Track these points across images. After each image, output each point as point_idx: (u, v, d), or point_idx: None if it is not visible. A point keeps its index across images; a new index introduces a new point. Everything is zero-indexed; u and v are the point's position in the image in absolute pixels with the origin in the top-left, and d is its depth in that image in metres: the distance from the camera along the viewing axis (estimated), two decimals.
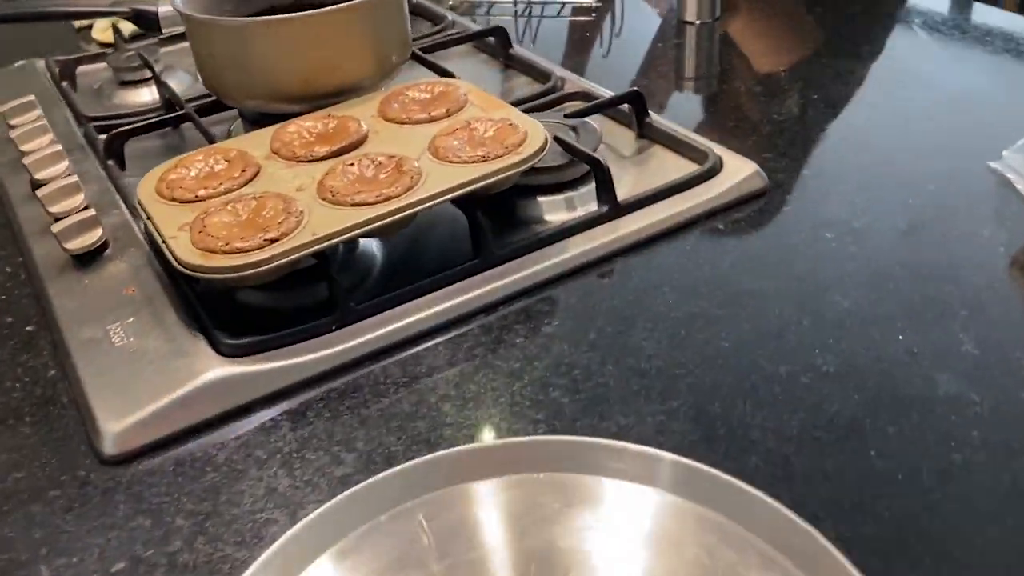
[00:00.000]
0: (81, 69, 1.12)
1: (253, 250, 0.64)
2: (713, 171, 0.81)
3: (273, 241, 0.65)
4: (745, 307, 0.68)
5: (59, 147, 0.87)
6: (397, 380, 0.64)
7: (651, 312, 0.68)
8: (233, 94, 0.89)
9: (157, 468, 0.59)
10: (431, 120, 0.79)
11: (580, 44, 1.18)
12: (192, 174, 0.74)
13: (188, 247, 0.65)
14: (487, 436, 0.59)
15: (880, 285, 0.69)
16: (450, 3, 1.30)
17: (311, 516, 0.49)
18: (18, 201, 0.85)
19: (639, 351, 0.65)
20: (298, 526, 0.49)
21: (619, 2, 1.28)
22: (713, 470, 0.50)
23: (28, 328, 0.72)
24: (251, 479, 0.57)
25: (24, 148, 0.90)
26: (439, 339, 0.68)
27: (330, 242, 0.65)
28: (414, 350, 0.67)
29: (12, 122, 0.96)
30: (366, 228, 0.67)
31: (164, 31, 0.90)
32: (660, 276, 0.72)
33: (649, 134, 0.89)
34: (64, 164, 0.86)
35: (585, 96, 0.95)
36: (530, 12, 1.27)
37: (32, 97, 0.98)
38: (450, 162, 0.72)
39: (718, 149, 0.84)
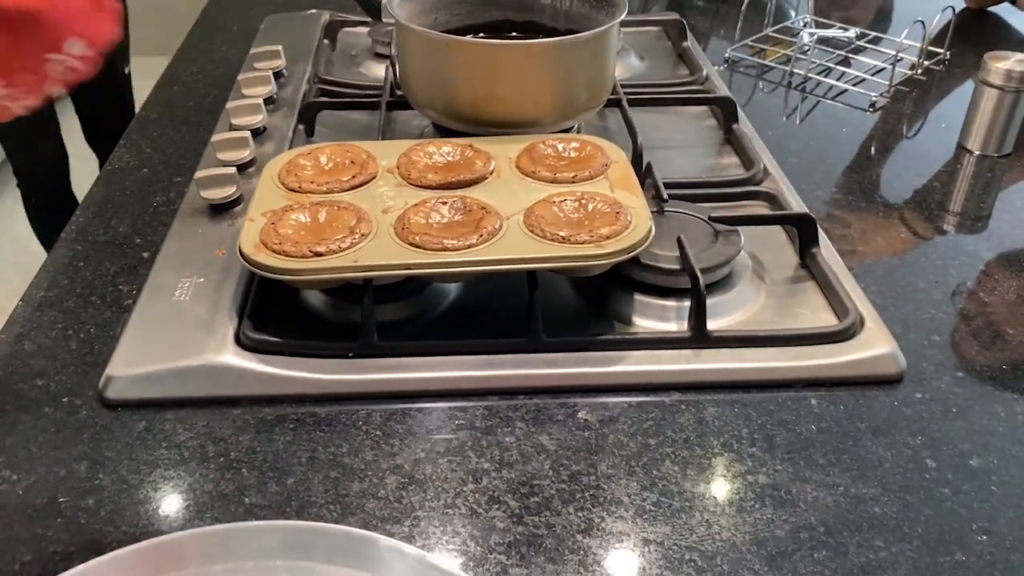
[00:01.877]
0: (349, 30, 1.20)
1: (295, 257, 0.65)
2: (843, 334, 0.69)
3: (318, 255, 0.65)
4: (760, 515, 0.57)
5: (259, 101, 0.94)
6: (372, 432, 0.62)
7: (663, 469, 0.60)
8: (417, 99, 0.90)
9: (129, 424, 0.63)
10: (553, 181, 0.75)
11: (857, 138, 1.04)
12: (317, 164, 0.77)
13: (253, 233, 0.68)
14: (397, 529, 0.56)
15: (944, 570, 0.55)
16: (726, 56, 1.21)
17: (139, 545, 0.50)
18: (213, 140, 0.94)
19: (618, 508, 0.57)
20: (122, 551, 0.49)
21: (924, 102, 1.12)
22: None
23: (144, 254, 0.80)
24: (186, 470, 0.59)
25: (245, 92, 0.99)
26: (441, 404, 0.65)
27: (364, 274, 0.65)
28: (410, 406, 0.65)
29: (256, 65, 1.06)
30: (407, 272, 0.65)
31: (384, 19, 0.93)
32: (705, 430, 0.63)
33: (810, 266, 0.77)
34: (259, 117, 0.93)
35: (771, 199, 0.85)
36: (805, 88, 1.15)
37: (279, 47, 1.07)
38: (531, 232, 0.68)
39: (868, 310, 0.71)
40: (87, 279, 0.77)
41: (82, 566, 0.49)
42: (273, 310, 0.72)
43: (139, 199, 0.88)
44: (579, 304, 0.74)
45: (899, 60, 1.13)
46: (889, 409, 0.65)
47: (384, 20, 0.94)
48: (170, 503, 0.57)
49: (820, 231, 0.78)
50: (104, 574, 0.49)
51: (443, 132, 0.91)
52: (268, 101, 0.98)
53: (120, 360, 0.65)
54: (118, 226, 0.84)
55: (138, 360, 0.65)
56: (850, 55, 1.22)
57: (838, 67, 1.19)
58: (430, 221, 0.69)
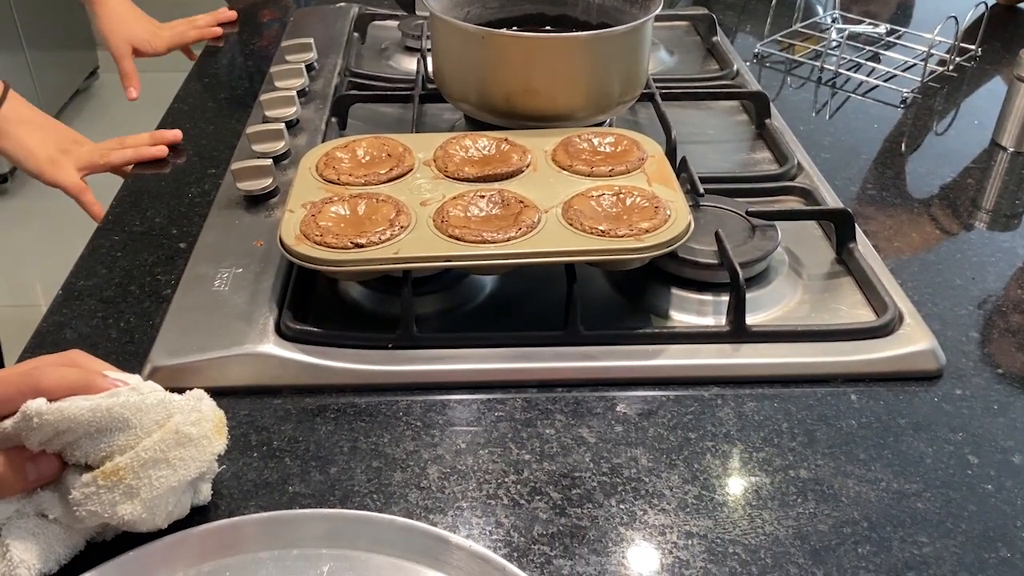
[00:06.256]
0: (378, 23, 1.20)
1: (336, 248, 0.65)
2: (883, 329, 0.68)
3: (359, 247, 0.66)
4: (802, 509, 0.57)
5: (293, 93, 0.94)
6: (412, 422, 0.63)
7: (704, 463, 0.60)
8: (451, 92, 0.90)
9: None
10: (590, 175, 0.75)
11: (889, 134, 1.04)
12: (354, 156, 0.77)
13: (294, 224, 0.68)
14: (440, 519, 0.56)
15: (989, 566, 0.55)
16: (756, 51, 1.21)
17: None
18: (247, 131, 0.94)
19: (660, 500, 0.57)
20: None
21: (955, 97, 1.11)
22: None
23: (181, 245, 0.80)
24: (229, 458, 0.59)
25: (277, 84, 0.99)
26: (480, 395, 0.65)
27: (405, 266, 0.65)
28: (450, 397, 0.65)
29: (288, 57, 1.06)
30: (448, 264, 0.65)
31: (418, 12, 0.93)
32: (745, 424, 0.63)
33: (847, 261, 0.77)
34: (293, 109, 0.94)
35: (806, 195, 0.85)
36: (835, 83, 1.15)
37: (311, 40, 1.07)
38: (571, 225, 0.68)
39: (906, 306, 0.71)
40: (125, 269, 0.77)
41: (135, 551, 0.49)
42: (311, 301, 0.72)
43: (174, 190, 0.89)
44: (615, 298, 0.74)
45: (930, 56, 1.13)
46: (929, 405, 0.65)
47: (418, 13, 0.94)
48: (215, 490, 0.57)
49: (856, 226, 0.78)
50: (160, 555, 0.50)
51: (476, 125, 0.91)
52: (301, 93, 0.98)
53: (161, 349, 0.66)
54: (154, 217, 0.84)
55: (180, 349, 0.66)
56: (880, 51, 1.22)
57: (868, 63, 1.19)
58: (469, 214, 0.69)
